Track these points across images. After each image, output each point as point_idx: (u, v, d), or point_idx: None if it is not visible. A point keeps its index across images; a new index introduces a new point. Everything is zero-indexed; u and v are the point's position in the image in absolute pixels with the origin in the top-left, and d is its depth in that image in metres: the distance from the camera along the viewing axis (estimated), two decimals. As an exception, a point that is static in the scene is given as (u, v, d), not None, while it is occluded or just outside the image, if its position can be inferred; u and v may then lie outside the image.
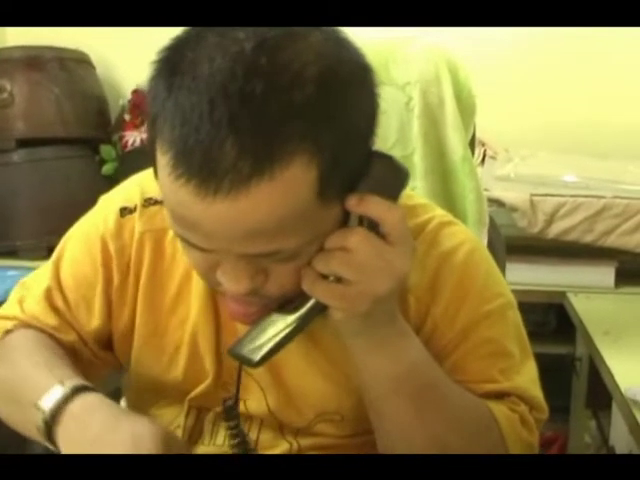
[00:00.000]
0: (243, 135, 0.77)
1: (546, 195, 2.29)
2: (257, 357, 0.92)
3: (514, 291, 2.11)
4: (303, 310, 0.91)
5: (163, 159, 0.81)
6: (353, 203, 0.86)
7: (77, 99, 2.59)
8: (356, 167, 0.85)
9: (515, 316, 1.10)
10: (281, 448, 1.08)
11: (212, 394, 1.09)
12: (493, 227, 1.47)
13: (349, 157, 0.83)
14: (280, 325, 0.92)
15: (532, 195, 2.28)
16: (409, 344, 0.97)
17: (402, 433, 0.99)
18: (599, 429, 2.27)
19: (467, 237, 1.08)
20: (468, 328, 1.03)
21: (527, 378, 1.06)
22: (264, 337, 0.92)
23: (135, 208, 1.09)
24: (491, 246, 1.43)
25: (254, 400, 1.08)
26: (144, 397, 1.17)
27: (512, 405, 1.04)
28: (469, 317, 1.03)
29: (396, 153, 1.38)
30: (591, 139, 2.63)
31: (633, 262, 2.34)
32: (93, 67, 2.69)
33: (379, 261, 0.87)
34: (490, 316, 1.05)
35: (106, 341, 1.13)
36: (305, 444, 1.08)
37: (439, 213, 1.11)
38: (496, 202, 2.25)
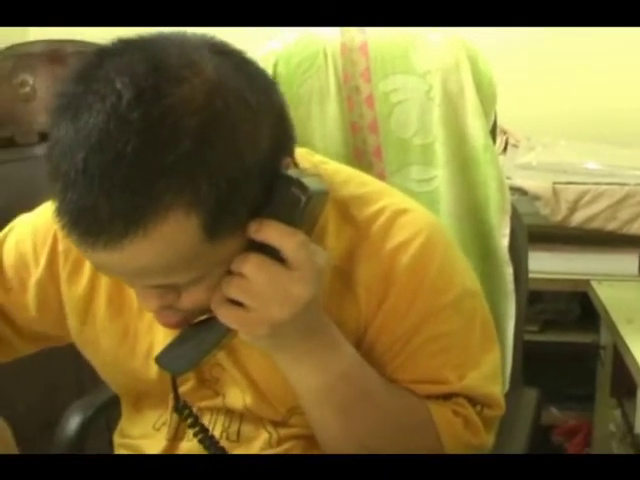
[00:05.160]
0: (114, 196, 0.78)
1: (569, 183, 2.28)
2: (178, 368, 1.00)
3: (537, 280, 2.11)
4: (217, 327, 0.94)
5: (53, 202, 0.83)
6: (252, 230, 0.87)
7: (98, 92, 2.60)
8: (255, 197, 0.85)
9: (474, 305, 1.07)
10: (262, 438, 1.09)
11: (195, 392, 1.10)
12: (515, 216, 1.46)
13: (239, 195, 0.84)
14: (198, 339, 0.97)
15: (554, 183, 2.27)
16: (336, 355, 0.97)
17: (330, 441, 1.02)
18: (624, 417, 2.25)
19: (422, 226, 1.04)
20: (419, 324, 1.02)
21: (482, 374, 1.04)
22: (184, 349, 0.98)
23: None
24: (513, 235, 1.43)
25: (232, 396, 1.09)
26: (125, 401, 1.20)
27: (457, 407, 1.03)
28: (420, 312, 1.02)
29: (417, 142, 1.39)
30: (614, 127, 2.61)
31: (657, 250, 2.33)
32: (114, 60, 2.70)
33: (274, 288, 0.88)
34: (444, 309, 1.02)
35: (34, 326, 1.16)
36: (284, 434, 1.09)
37: (394, 200, 1.06)
38: (518, 190, 2.24)
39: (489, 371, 1.06)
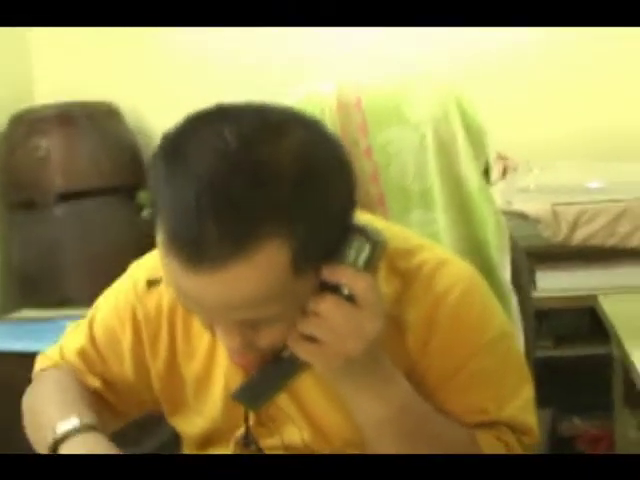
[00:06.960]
0: (224, 221, 0.91)
1: (567, 204, 2.34)
2: (255, 403, 1.13)
3: (546, 299, 2.15)
4: (293, 362, 1.05)
5: (159, 236, 0.96)
6: (326, 272, 0.99)
7: (110, 150, 2.69)
8: (331, 242, 0.98)
9: (509, 345, 1.21)
10: None
11: (254, 433, 1.21)
12: (513, 241, 1.52)
13: (322, 238, 0.97)
14: (274, 375, 1.08)
15: (554, 205, 2.33)
16: (395, 389, 1.08)
17: None
18: (640, 424, 2.29)
19: (461, 276, 1.18)
20: (463, 361, 1.14)
21: (520, 404, 1.16)
22: (261, 385, 1.09)
23: (160, 279, 1.20)
24: (513, 261, 1.49)
25: (290, 434, 1.20)
26: (190, 442, 1.30)
27: (499, 434, 1.14)
28: (464, 351, 1.14)
29: (416, 187, 1.46)
30: (610, 143, 2.64)
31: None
32: (122, 116, 2.78)
33: (349, 324, 0.99)
34: (484, 348, 1.15)
35: (136, 392, 1.28)
36: None
37: (435, 253, 1.20)
38: (519, 215, 2.30)
39: (525, 402, 1.18)
